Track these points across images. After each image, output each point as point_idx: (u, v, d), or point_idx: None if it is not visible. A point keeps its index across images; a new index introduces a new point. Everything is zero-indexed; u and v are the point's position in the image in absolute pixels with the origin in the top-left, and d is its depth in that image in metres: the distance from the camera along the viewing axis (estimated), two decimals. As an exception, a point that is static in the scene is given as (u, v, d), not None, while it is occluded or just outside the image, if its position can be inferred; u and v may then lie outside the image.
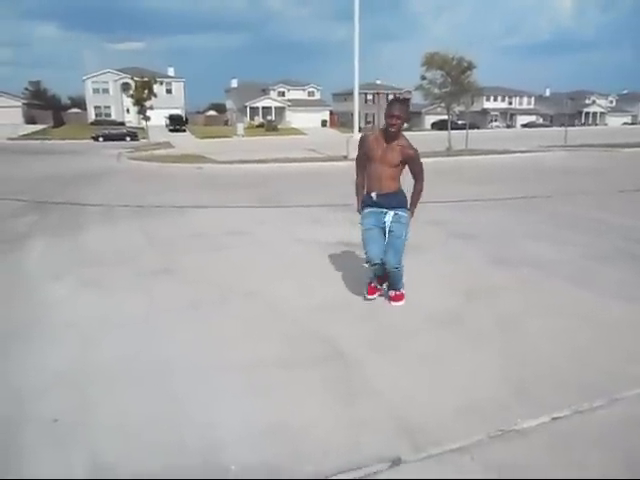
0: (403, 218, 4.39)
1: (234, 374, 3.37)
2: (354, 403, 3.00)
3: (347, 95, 60.19)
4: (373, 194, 4.36)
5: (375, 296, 4.71)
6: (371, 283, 4.74)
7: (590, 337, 3.89)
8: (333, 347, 3.73)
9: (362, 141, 4.44)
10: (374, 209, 4.41)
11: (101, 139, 47.40)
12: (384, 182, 4.30)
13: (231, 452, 2.57)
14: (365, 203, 4.49)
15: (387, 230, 4.36)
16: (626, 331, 3.99)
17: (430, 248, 6.48)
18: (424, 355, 3.62)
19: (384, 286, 4.76)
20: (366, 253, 4.49)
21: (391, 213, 4.35)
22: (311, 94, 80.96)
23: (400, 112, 4.12)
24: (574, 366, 3.42)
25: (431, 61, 27.68)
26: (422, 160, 4.38)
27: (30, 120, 64.79)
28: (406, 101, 4.28)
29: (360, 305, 4.61)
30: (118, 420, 2.87)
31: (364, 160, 4.40)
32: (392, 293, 4.65)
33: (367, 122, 68.46)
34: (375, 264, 4.44)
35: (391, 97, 4.62)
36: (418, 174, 4.40)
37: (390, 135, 4.21)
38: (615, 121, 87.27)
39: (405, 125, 4.29)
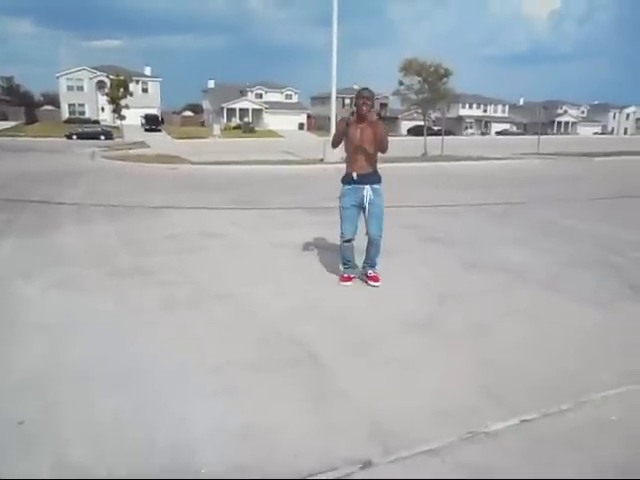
0: (379, 190, 5.05)
1: (206, 376, 3.34)
2: (326, 406, 3.00)
3: (325, 99, 60.23)
4: (354, 174, 4.99)
5: (348, 283, 5.19)
6: (343, 274, 5.28)
7: (560, 342, 3.95)
8: (306, 350, 3.73)
9: (343, 120, 5.08)
10: (353, 186, 5.02)
11: (75, 137, 46.72)
12: (365, 166, 4.98)
13: (201, 454, 2.55)
14: (345, 181, 5.09)
15: (367, 202, 4.96)
16: (596, 336, 4.07)
17: (405, 252, 6.52)
18: (396, 358, 3.64)
19: (356, 274, 5.31)
20: (341, 229, 5.14)
21: (368, 187, 4.98)
22: (289, 97, 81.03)
23: (369, 96, 4.87)
24: (544, 370, 3.47)
25: (409, 67, 28.01)
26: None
27: (1, 117, 63.61)
28: (372, 92, 4.94)
29: (333, 308, 4.62)
30: (86, 422, 2.82)
31: (341, 134, 5.04)
32: (370, 272, 5.19)
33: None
34: (348, 240, 5.12)
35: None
36: (381, 135, 4.91)
37: (361, 116, 4.86)
38: (586, 131, 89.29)
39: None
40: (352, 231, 5.09)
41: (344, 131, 5.00)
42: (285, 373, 3.40)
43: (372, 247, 5.09)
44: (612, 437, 2.73)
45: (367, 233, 5.05)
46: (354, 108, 4.96)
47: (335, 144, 5.25)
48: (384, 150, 4.98)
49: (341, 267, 5.35)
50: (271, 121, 72.48)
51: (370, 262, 5.18)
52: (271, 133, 63.52)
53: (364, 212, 5.03)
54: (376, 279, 5.14)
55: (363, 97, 4.84)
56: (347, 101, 74.12)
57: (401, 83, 28.86)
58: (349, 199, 5.04)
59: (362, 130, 4.87)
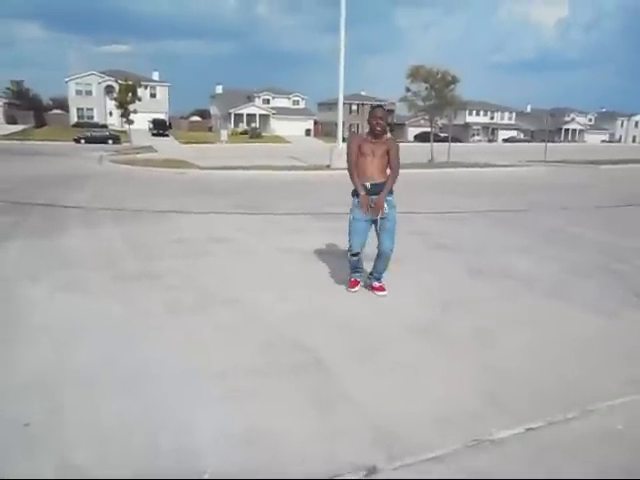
0: (392, 202, 4.97)
1: (211, 381, 3.34)
2: (331, 412, 3.00)
3: (332, 105, 60.40)
4: (367, 184, 4.89)
5: (356, 288, 5.20)
6: (352, 278, 5.25)
7: (565, 350, 3.94)
8: (311, 355, 3.73)
9: (354, 137, 5.05)
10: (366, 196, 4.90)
11: (83, 141, 47.00)
12: (376, 174, 4.90)
13: (206, 458, 2.55)
14: (356, 194, 4.96)
15: (380, 216, 4.87)
16: (600, 345, 4.06)
17: (412, 258, 6.51)
18: (401, 364, 3.64)
19: (361, 281, 5.28)
20: (349, 242, 5.02)
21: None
22: (296, 103, 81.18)
23: (382, 115, 4.86)
24: (549, 378, 3.46)
25: (416, 73, 28.03)
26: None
27: (11, 120, 64.10)
28: (385, 110, 4.97)
29: (339, 314, 4.62)
30: (91, 425, 2.83)
31: (356, 155, 4.92)
32: (376, 284, 5.16)
33: (351, 132, 68.99)
34: (356, 253, 5.02)
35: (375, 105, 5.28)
36: (394, 161, 4.94)
37: (376, 135, 4.85)
38: (593, 138, 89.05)
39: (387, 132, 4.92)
40: (361, 245, 4.98)
41: (353, 154, 4.92)
42: (291, 378, 3.40)
43: (382, 260, 5.03)
44: (618, 446, 2.72)
45: (378, 247, 4.98)
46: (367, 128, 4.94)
47: (351, 168, 4.95)
48: (394, 175, 4.94)
49: (349, 272, 5.29)
50: (278, 127, 72.63)
51: (377, 275, 5.15)
52: (278, 139, 63.67)
53: (376, 225, 4.94)
54: (382, 289, 5.11)
55: (377, 117, 4.80)
56: (354, 107, 74.38)
57: (408, 90, 28.87)
58: (360, 212, 4.91)
59: (375, 146, 4.84)
